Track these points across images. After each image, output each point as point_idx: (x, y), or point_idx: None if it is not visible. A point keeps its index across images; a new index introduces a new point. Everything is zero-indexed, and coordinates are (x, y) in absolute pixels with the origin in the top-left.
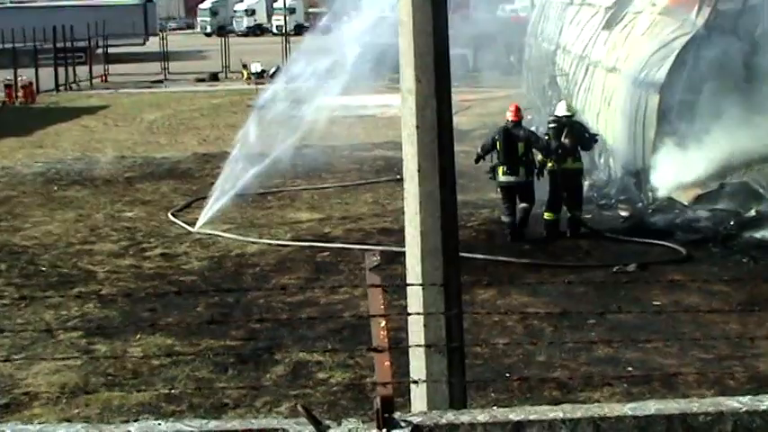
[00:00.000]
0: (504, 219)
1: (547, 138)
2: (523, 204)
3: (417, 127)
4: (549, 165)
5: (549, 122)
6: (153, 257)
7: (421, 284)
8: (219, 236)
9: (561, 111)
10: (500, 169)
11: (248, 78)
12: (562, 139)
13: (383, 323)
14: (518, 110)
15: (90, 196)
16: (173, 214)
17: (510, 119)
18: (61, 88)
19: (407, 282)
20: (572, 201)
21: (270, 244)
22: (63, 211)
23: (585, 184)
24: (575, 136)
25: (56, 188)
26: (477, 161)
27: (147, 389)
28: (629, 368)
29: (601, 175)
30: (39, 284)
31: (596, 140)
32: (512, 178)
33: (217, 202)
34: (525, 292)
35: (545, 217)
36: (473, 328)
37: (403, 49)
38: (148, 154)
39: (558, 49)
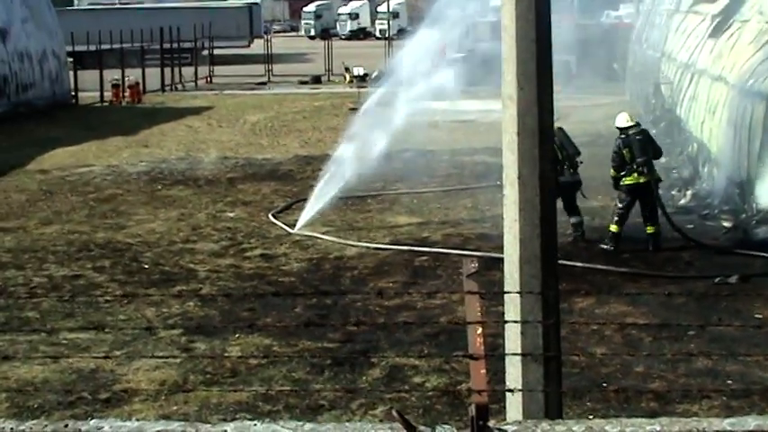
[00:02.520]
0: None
1: (620, 151)
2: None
3: (518, 134)
4: (631, 179)
5: (625, 135)
6: (253, 258)
7: (519, 292)
8: (319, 238)
9: (623, 122)
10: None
11: (350, 81)
12: (636, 149)
13: (480, 330)
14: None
15: (192, 196)
16: (273, 215)
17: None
18: (167, 89)
19: (505, 289)
20: (651, 213)
21: (368, 247)
22: (166, 209)
23: (688, 194)
24: (652, 145)
25: (159, 187)
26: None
27: (245, 388)
28: (729, 381)
29: (704, 185)
30: (141, 282)
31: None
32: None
33: (317, 204)
34: (624, 301)
35: (649, 231)
36: (570, 336)
37: (505, 55)
38: (250, 155)
39: (662, 56)
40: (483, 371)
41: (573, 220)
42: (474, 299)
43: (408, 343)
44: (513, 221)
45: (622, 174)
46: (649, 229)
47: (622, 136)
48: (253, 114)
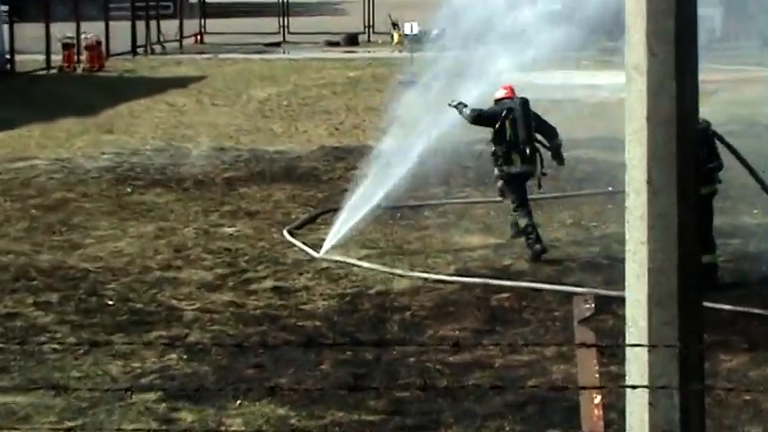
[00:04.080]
0: (524, 222)
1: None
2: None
3: (648, 119)
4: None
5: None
6: (261, 292)
7: (648, 345)
8: (355, 265)
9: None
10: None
11: (400, 42)
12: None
13: (598, 398)
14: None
15: (176, 203)
16: (290, 232)
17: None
18: (140, 51)
19: (626, 341)
20: (708, 233)
21: (426, 279)
22: (138, 222)
23: None
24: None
25: (129, 190)
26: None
27: None
28: None
29: None
30: (103, 325)
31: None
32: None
33: (352, 216)
34: None
35: (707, 261)
36: (715, 409)
37: (630, 6)
38: (258, 146)
39: None
40: None
41: (525, 221)
42: (590, 355)
43: (482, 416)
44: (638, 244)
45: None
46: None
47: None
48: (261, 89)
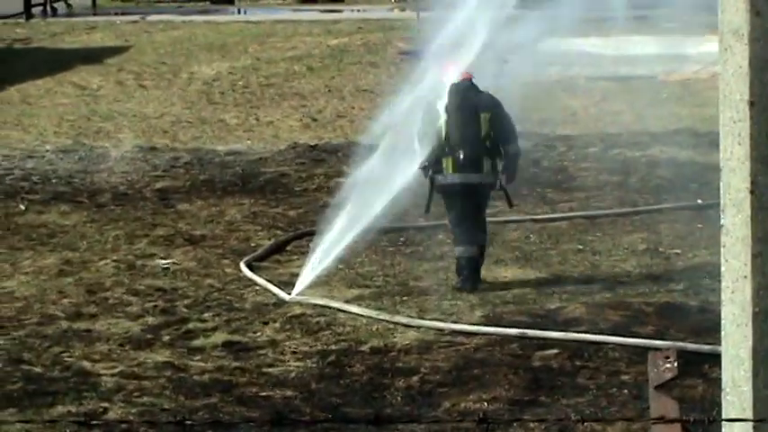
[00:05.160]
0: (461, 252)
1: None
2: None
3: (751, 104)
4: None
5: None
6: (209, 350)
7: (752, 420)
8: (340, 310)
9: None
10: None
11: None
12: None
13: None
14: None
15: (88, 226)
16: (249, 265)
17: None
18: (36, 12)
19: (723, 414)
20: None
21: (441, 330)
22: (35, 253)
23: None
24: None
25: (23, 208)
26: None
27: None
28: None
29: None
30: None
31: None
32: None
33: (336, 243)
34: None
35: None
36: None
37: None
38: (203, 145)
39: None
40: None
41: (457, 249)
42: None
43: None
44: (739, 279)
45: None
46: None
47: None
48: (207, 64)
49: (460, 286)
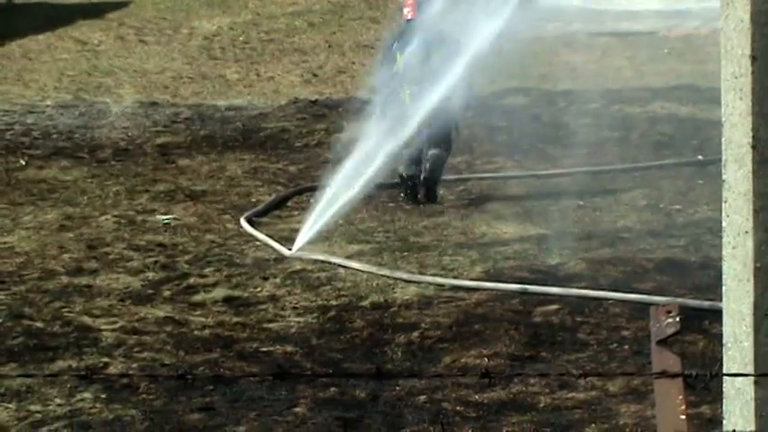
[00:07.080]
0: (401, 170)
1: None
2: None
3: (753, 58)
4: None
5: None
6: (209, 305)
7: (753, 375)
8: (341, 266)
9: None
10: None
11: None
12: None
13: None
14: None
15: (89, 181)
16: (249, 221)
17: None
18: None
19: (725, 369)
20: None
21: (441, 285)
22: (36, 208)
23: None
24: None
25: (23, 162)
26: None
27: None
28: None
29: None
30: None
31: None
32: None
33: (335, 198)
34: None
35: None
36: None
37: None
38: (204, 100)
39: None
40: None
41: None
42: (673, 389)
43: None
44: (740, 234)
45: None
46: None
47: None
48: (208, 19)
49: (405, 193)
